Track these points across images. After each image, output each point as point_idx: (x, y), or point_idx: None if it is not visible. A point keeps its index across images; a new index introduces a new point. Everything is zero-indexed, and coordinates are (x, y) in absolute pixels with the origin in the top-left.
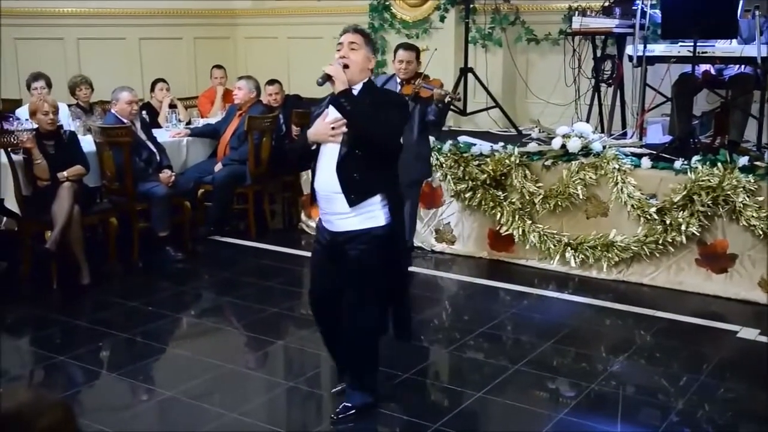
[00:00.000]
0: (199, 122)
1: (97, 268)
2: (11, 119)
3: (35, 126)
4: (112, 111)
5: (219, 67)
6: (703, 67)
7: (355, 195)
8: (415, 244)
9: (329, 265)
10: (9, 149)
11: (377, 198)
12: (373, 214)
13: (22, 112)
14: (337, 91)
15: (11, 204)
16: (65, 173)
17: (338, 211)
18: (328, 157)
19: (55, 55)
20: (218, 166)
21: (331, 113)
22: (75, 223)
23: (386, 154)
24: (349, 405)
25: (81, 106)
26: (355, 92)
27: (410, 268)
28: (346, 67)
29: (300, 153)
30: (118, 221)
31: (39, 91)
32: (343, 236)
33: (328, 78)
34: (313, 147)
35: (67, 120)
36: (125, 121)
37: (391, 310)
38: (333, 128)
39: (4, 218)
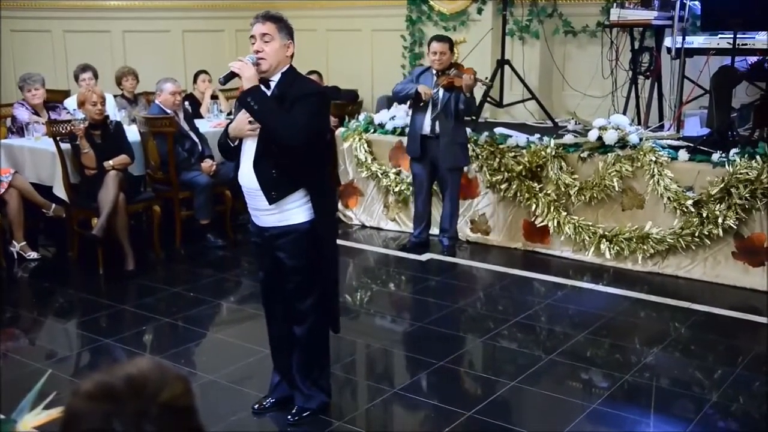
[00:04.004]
0: None
1: (141, 254)
2: (58, 109)
3: (83, 116)
4: (156, 102)
5: None
6: (751, 58)
7: (275, 192)
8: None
9: (266, 258)
10: (57, 138)
11: (299, 194)
12: (295, 210)
13: (71, 102)
14: (243, 88)
15: (59, 191)
16: (111, 162)
17: (261, 207)
18: (248, 153)
19: (102, 48)
20: None
21: None
22: (120, 210)
23: (298, 150)
24: (306, 407)
25: (126, 96)
26: (273, 83)
27: (448, 259)
28: (262, 59)
29: (224, 148)
30: (162, 209)
31: (87, 82)
32: (268, 232)
33: (232, 76)
34: (236, 143)
35: (113, 110)
36: (169, 111)
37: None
38: (251, 122)
39: (53, 205)
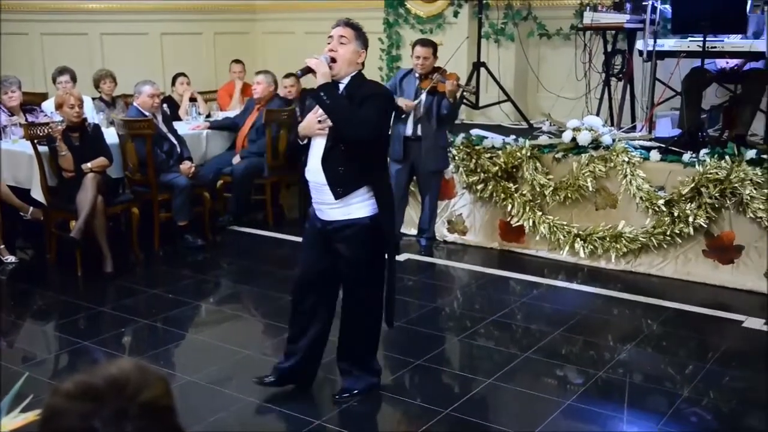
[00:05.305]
0: (219, 115)
1: (119, 256)
2: (35, 112)
3: (61, 119)
4: (135, 104)
5: (238, 61)
6: (721, 63)
7: (340, 188)
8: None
9: (320, 249)
10: (35, 141)
11: (363, 190)
12: (359, 205)
13: (48, 105)
14: (317, 84)
15: (37, 194)
16: (89, 165)
17: (326, 201)
18: (317, 150)
19: (80, 50)
20: (236, 159)
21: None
22: (99, 212)
23: (367, 147)
24: (354, 387)
25: (104, 99)
26: (342, 86)
27: (426, 258)
28: (333, 60)
29: (293, 147)
30: (140, 211)
31: (64, 85)
32: (331, 225)
33: (308, 71)
34: (304, 141)
35: (91, 113)
36: (147, 114)
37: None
38: (320, 121)
39: (31, 208)
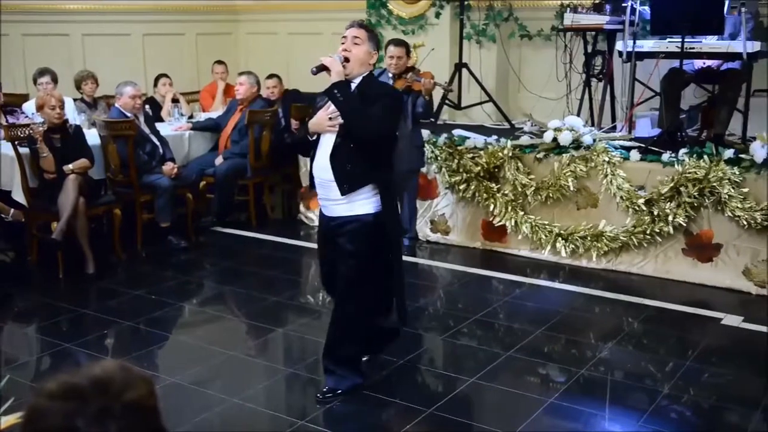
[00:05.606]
0: (201, 116)
1: (102, 257)
2: (16, 113)
3: (42, 120)
4: (117, 105)
5: (220, 62)
6: (698, 63)
7: (347, 184)
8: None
9: (325, 246)
10: (16, 142)
11: (368, 187)
12: (363, 202)
13: (29, 106)
14: (331, 82)
15: (18, 195)
16: (71, 166)
17: (332, 197)
18: (325, 146)
19: (61, 51)
20: (219, 159)
21: (331, 105)
22: (80, 214)
23: (375, 146)
24: (337, 387)
25: (85, 100)
26: (353, 85)
27: (409, 258)
28: (347, 60)
29: (300, 142)
30: (123, 212)
31: (45, 86)
32: (335, 221)
33: (323, 68)
34: (314, 137)
35: (72, 114)
36: (129, 115)
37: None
38: (330, 119)
39: (12, 209)
